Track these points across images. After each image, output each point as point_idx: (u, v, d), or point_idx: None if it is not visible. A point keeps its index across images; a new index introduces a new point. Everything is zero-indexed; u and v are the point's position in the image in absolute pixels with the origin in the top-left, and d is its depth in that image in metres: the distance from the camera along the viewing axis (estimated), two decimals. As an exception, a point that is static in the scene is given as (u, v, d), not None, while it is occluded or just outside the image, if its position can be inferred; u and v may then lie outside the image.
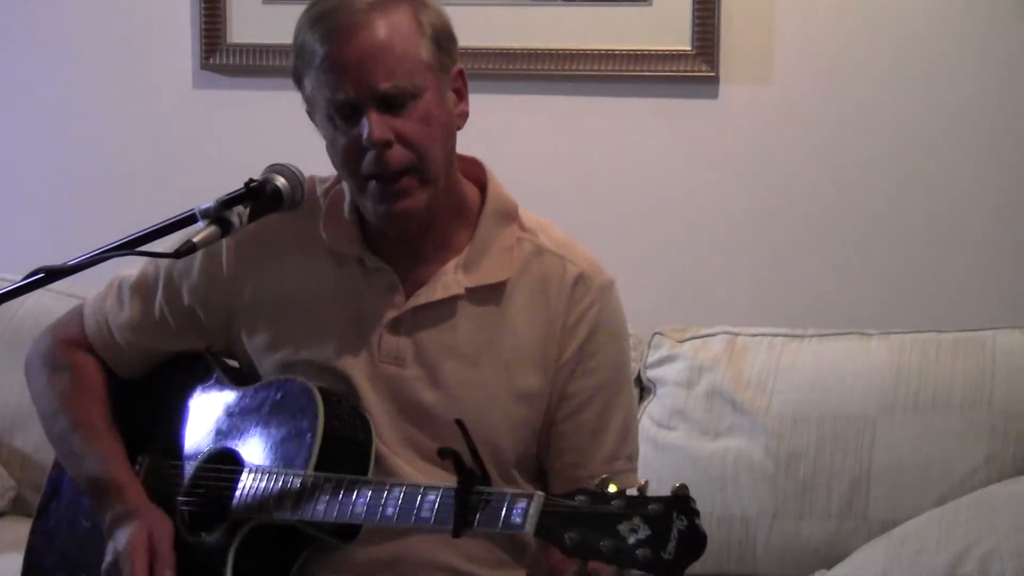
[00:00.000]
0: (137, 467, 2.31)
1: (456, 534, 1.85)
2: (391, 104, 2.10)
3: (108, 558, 2.19)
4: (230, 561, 2.10)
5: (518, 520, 1.80)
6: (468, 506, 1.85)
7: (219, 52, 3.62)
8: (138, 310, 2.35)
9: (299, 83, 2.18)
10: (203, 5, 3.60)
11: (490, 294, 2.20)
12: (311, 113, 2.19)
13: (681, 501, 1.72)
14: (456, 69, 2.20)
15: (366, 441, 2.14)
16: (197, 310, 2.31)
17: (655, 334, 3.18)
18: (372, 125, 2.08)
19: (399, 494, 1.95)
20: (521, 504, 1.81)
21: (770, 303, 3.35)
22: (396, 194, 2.12)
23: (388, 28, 2.10)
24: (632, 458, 2.24)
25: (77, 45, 3.76)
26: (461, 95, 2.21)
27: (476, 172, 2.28)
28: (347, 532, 2.10)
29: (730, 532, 2.94)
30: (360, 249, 2.22)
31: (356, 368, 2.19)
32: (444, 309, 2.20)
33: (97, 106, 3.76)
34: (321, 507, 2.02)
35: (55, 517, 2.41)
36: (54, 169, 3.82)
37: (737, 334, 3.12)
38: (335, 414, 2.13)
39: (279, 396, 2.19)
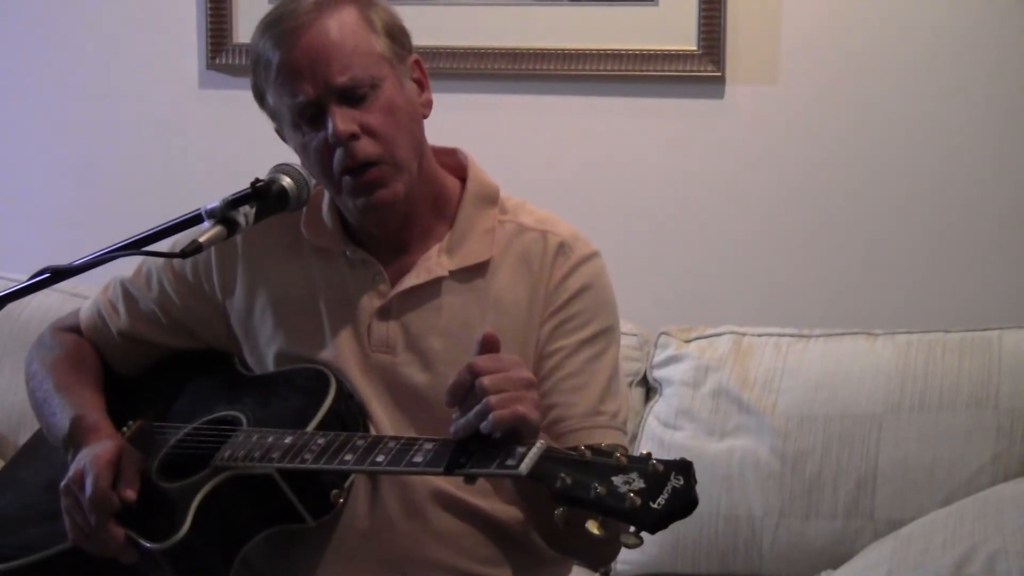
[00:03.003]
0: (124, 429, 2.29)
1: (448, 472, 1.84)
2: (351, 98, 2.11)
3: (70, 472, 2.14)
4: (193, 507, 2.04)
5: (513, 462, 1.79)
6: (465, 450, 1.85)
7: (225, 52, 3.62)
8: (132, 304, 2.37)
9: (262, 100, 2.19)
10: (209, 5, 3.61)
11: (474, 274, 2.22)
12: (280, 130, 2.21)
13: (683, 465, 1.72)
14: (412, 59, 2.21)
15: None
16: (189, 310, 2.34)
17: (661, 334, 3.18)
18: (335, 120, 2.10)
19: (394, 445, 1.94)
20: (521, 449, 1.81)
21: (776, 303, 3.35)
22: (370, 185, 2.13)
23: (337, 25, 2.12)
24: (615, 416, 2.21)
25: (83, 45, 3.76)
26: (422, 85, 2.22)
27: (456, 162, 2.29)
28: (319, 507, 2.08)
29: (736, 532, 2.94)
30: (343, 244, 2.24)
31: (349, 361, 2.20)
32: (429, 291, 2.21)
33: (104, 106, 3.76)
34: (309, 456, 1.99)
35: (22, 469, 2.42)
36: (59, 169, 3.82)
37: (743, 334, 3.12)
38: (343, 400, 2.14)
39: (295, 378, 2.20)
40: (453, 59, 3.41)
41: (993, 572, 2.49)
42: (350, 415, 2.15)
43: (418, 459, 1.90)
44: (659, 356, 3.15)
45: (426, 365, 2.19)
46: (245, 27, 3.60)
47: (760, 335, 3.10)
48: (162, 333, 2.37)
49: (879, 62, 3.28)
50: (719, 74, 3.32)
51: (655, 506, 1.68)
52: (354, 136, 2.10)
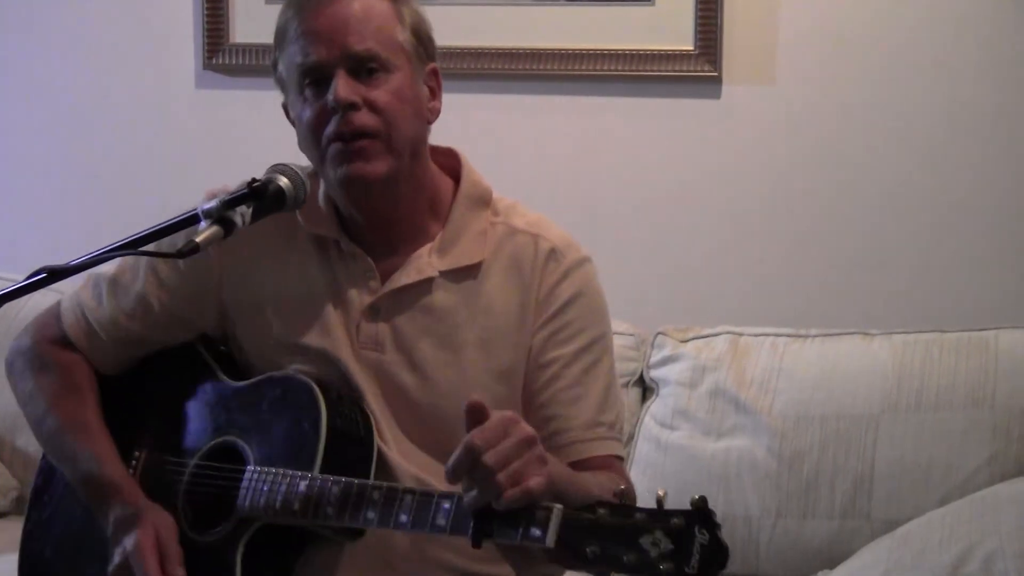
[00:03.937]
0: (133, 463, 2.30)
1: (475, 544, 1.83)
2: (361, 70, 2.11)
3: (116, 559, 2.18)
4: (239, 560, 2.10)
5: (538, 532, 1.76)
6: (485, 516, 1.83)
7: (222, 52, 3.62)
8: (118, 300, 2.33)
9: (275, 70, 2.20)
10: (206, 5, 3.61)
11: (464, 276, 2.21)
12: (285, 105, 2.21)
13: (703, 515, 1.71)
14: (431, 67, 2.22)
15: (368, 438, 2.15)
16: (184, 303, 2.31)
17: (658, 334, 3.18)
18: (339, 85, 2.10)
19: (411, 501, 1.94)
20: (540, 514, 1.78)
21: (773, 303, 3.35)
22: (355, 154, 2.12)
23: (363, 6, 2.13)
24: (613, 426, 2.21)
25: (80, 45, 3.76)
26: (434, 93, 2.23)
27: (452, 163, 2.28)
28: (352, 532, 2.10)
29: (733, 532, 2.94)
30: (337, 232, 2.23)
31: (344, 350, 2.20)
32: (419, 292, 2.20)
33: (100, 106, 3.76)
34: (331, 511, 2.02)
35: (50, 507, 2.40)
36: (57, 168, 3.82)
37: (740, 334, 3.12)
38: (337, 412, 2.14)
39: (279, 392, 2.19)
40: (451, 59, 3.40)
41: (990, 572, 2.49)
42: (348, 421, 2.15)
43: (440, 522, 1.90)
44: (656, 356, 3.15)
45: (414, 367, 2.19)
46: (242, 27, 3.60)
47: (757, 335, 3.10)
48: (151, 327, 2.33)
49: (874, 62, 3.28)
50: (716, 74, 3.32)
51: (690, 570, 1.68)
52: (354, 105, 2.10)
